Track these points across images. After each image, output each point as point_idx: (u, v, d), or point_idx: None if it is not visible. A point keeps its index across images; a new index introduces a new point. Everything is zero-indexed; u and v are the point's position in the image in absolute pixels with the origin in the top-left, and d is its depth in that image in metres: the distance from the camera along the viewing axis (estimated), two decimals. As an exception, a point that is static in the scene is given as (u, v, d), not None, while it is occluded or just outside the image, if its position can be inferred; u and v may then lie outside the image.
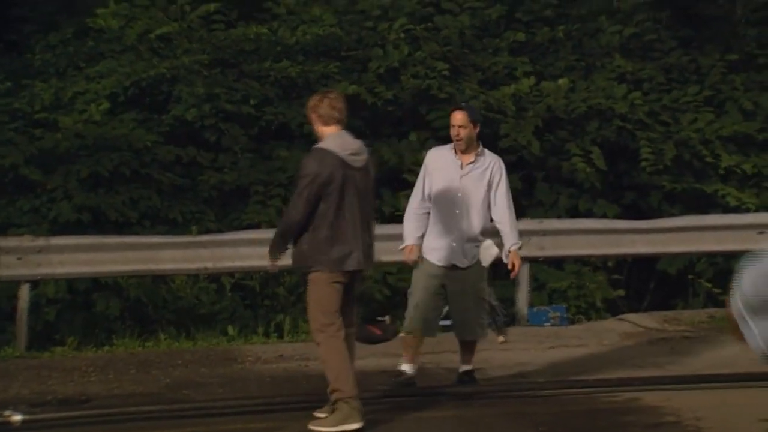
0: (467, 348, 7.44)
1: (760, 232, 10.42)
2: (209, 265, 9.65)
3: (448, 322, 9.62)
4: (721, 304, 10.94)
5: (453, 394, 7.33)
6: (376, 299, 10.29)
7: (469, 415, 6.92)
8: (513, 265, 7.31)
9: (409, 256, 7.24)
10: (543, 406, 7.10)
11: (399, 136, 11.68)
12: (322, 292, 6.40)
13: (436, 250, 7.21)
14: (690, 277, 11.24)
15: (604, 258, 10.77)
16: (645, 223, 10.58)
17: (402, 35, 12.09)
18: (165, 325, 9.79)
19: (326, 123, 6.54)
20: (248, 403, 7.10)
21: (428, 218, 7.24)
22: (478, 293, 7.30)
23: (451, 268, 7.21)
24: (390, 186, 11.21)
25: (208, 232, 10.43)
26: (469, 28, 12.37)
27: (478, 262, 7.23)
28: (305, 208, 6.36)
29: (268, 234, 9.98)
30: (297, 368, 8.37)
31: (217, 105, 11.27)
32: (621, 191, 11.80)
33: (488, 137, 11.59)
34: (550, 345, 8.89)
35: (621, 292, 10.89)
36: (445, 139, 11.54)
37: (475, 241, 7.21)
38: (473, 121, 7.23)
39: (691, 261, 11.26)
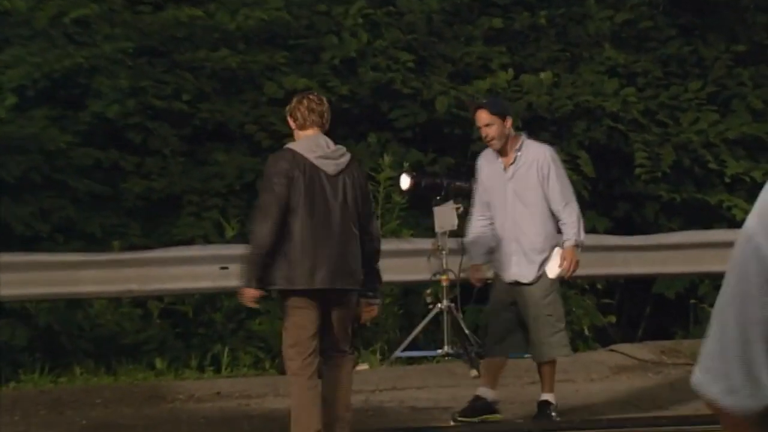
0: (541, 372, 7.65)
1: (772, 250, 10.53)
2: (134, 287, 9.62)
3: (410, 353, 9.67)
4: (727, 332, 11.04)
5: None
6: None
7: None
8: (563, 264, 7.43)
9: (474, 276, 7.69)
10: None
11: (356, 137, 11.68)
12: (289, 316, 6.57)
13: (500, 265, 7.58)
14: (691, 301, 11.33)
15: (593, 279, 10.84)
16: (640, 239, 10.67)
17: (360, 21, 12.11)
18: (81, 358, 9.72)
19: (302, 127, 6.73)
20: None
21: (492, 229, 7.52)
22: (544, 309, 7.49)
23: (515, 283, 7.51)
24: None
25: (132, 248, 10.37)
26: (438, 12, 12.42)
27: (544, 274, 7.45)
28: (272, 223, 6.45)
29: (203, 251, 10.10)
30: (236, 407, 8.35)
31: (144, 100, 11.23)
32: (612, 202, 11.88)
33: (460, 139, 11.71)
34: (530, 380, 8.92)
35: (612, 319, 10.97)
36: (409, 141, 11.67)
37: (538, 251, 7.47)
38: (499, 115, 7.43)
39: (692, 283, 11.35)
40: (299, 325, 6.51)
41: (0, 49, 11.88)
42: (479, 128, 7.53)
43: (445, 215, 9.70)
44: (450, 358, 9.68)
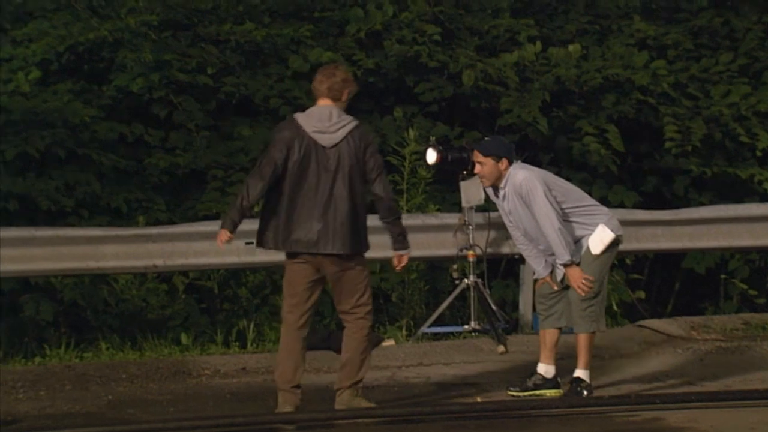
0: (578, 346, 7.77)
1: (803, 225, 10.47)
2: (159, 262, 9.64)
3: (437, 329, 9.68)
4: (758, 308, 11.01)
5: (448, 412, 7.34)
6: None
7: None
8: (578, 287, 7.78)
9: (552, 285, 7.85)
10: (548, 426, 7.13)
11: (381, 111, 11.66)
12: (285, 272, 7.30)
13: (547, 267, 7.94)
14: (721, 276, 11.29)
15: (621, 254, 10.79)
16: (669, 213, 10.62)
17: (386, -7, 12.07)
18: (106, 333, 9.77)
19: (316, 97, 7.33)
20: (205, 425, 7.10)
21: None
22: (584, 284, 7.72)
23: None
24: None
25: (157, 223, 10.40)
26: (465, -16, 12.38)
27: (586, 251, 7.70)
28: (262, 182, 7.12)
29: (228, 226, 10.07)
30: (262, 383, 8.37)
31: (168, 74, 11.23)
32: (641, 176, 11.83)
33: (487, 113, 11.67)
34: (558, 356, 8.92)
35: (641, 294, 10.94)
36: (435, 115, 11.63)
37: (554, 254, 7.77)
38: (492, 156, 7.75)
39: (722, 258, 11.30)
40: (288, 280, 7.27)
41: (23, 22, 11.91)
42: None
43: (471, 190, 9.68)
44: (476, 333, 9.68)
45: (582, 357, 7.74)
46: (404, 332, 9.87)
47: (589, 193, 11.37)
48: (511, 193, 7.74)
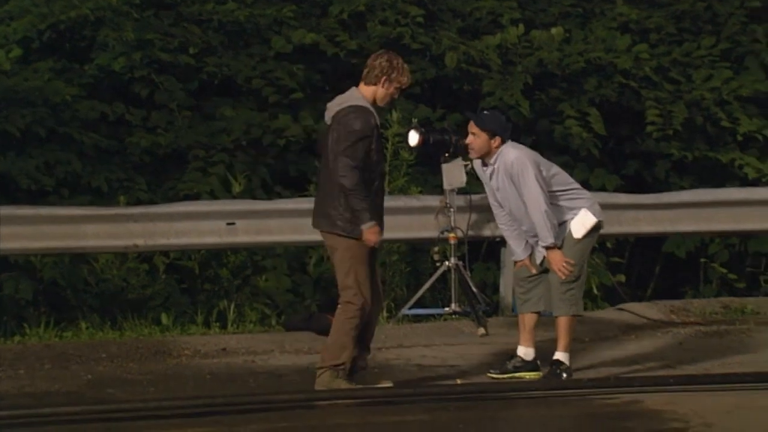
0: (558, 329, 7.78)
1: (784, 209, 10.51)
2: (140, 242, 9.61)
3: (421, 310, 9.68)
4: (737, 292, 11.05)
5: (428, 394, 7.36)
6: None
7: (442, 419, 6.95)
8: (559, 270, 7.74)
9: (531, 268, 7.82)
10: (527, 409, 7.15)
11: (364, 92, 11.63)
12: None
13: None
14: (701, 260, 11.32)
15: (602, 238, 10.77)
16: (650, 197, 10.64)
17: (369, -26, 12.05)
18: (86, 312, 9.75)
19: None
20: (184, 405, 7.10)
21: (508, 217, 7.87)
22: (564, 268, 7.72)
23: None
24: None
25: (138, 203, 10.37)
26: (448, -34, 12.36)
27: (568, 235, 7.72)
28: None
29: (209, 206, 10.07)
30: (242, 364, 8.38)
31: (150, 53, 11.19)
32: (623, 160, 11.84)
33: (469, 95, 11.65)
34: (538, 338, 8.93)
35: (621, 278, 10.96)
36: (417, 97, 11.61)
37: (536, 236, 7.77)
38: (487, 132, 7.71)
39: (702, 242, 11.34)
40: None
41: (4, 0, 11.84)
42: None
43: (453, 172, 9.68)
44: (457, 316, 9.70)
45: (562, 340, 7.76)
46: (385, 314, 9.87)
47: (571, 176, 11.49)
48: (501, 171, 7.71)
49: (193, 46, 11.35)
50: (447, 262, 9.65)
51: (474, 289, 9.63)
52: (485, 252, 10.76)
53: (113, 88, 11.29)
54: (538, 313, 7.87)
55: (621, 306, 10.27)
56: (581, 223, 7.76)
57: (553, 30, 11.85)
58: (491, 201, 7.92)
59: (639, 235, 10.81)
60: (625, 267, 11.25)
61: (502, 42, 11.66)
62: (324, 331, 7.73)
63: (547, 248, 7.67)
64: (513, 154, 7.70)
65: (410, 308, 9.74)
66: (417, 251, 10.50)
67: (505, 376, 7.77)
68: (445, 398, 7.33)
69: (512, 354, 7.87)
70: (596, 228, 7.81)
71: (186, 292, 10.23)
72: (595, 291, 10.56)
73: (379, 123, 7.43)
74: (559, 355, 7.75)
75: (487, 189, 7.93)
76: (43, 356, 8.48)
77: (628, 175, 11.70)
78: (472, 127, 7.74)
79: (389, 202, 10.06)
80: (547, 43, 11.72)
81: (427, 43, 11.57)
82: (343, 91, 7.54)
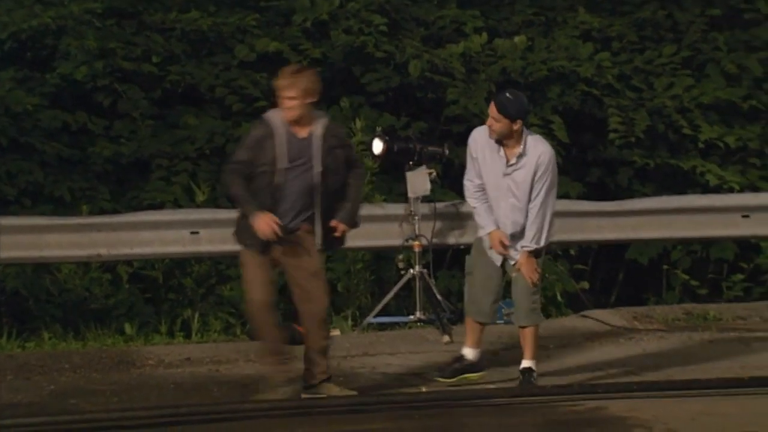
0: (523, 338, 7.77)
1: (744, 216, 10.59)
2: (103, 251, 9.58)
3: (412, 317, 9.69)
4: (700, 298, 11.13)
5: (393, 402, 7.37)
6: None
7: (407, 427, 6.96)
8: (526, 274, 7.69)
9: (498, 245, 7.68)
10: (492, 416, 7.16)
11: (328, 101, 11.62)
12: None
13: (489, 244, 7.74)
14: (664, 267, 11.38)
15: (566, 245, 10.87)
16: (613, 204, 10.70)
17: (332, -18, 12.06)
18: (49, 323, 9.70)
19: None
20: (148, 415, 7.06)
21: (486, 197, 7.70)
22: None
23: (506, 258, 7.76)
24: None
25: (101, 212, 10.33)
26: (411, -26, 12.38)
27: None
28: None
29: (172, 215, 10.04)
30: (207, 373, 8.35)
31: (113, 62, 11.15)
32: (585, 167, 11.90)
33: (434, 104, 11.68)
34: (502, 346, 8.96)
35: (585, 285, 11.01)
36: (381, 106, 11.63)
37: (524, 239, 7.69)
38: (507, 117, 7.52)
39: (665, 249, 11.40)
40: None
41: (-36, 9, 11.77)
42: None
43: (417, 180, 9.70)
44: (422, 324, 9.70)
45: (529, 348, 7.76)
46: (350, 322, 9.88)
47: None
48: (532, 160, 7.55)
49: (156, 54, 11.32)
50: (412, 270, 9.66)
51: (439, 297, 9.65)
52: (450, 260, 10.79)
53: (75, 97, 11.24)
54: (484, 324, 7.84)
55: (584, 313, 10.31)
56: None
57: (516, 38, 11.91)
58: (470, 176, 7.72)
59: (602, 242, 10.86)
60: (589, 274, 11.29)
61: (465, 50, 11.70)
62: (293, 341, 7.71)
63: (531, 252, 7.62)
64: (545, 147, 7.65)
65: (375, 317, 9.74)
66: (381, 259, 10.51)
67: (453, 379, 7.77)
68: (410, 406, 7.33)
69: (458, 356, 7.87)
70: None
71: (150, 301, 10.20)
72: (559, 298, 10.60)
73: (274, 131, 7.26)
74: (530, 363, 7.75)
75: (475, 169, 7.71)
76: (5, 367, 8.42)
77: (591, 182, 11.76)
78: (493, 111, 7.55)
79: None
80: (510, 51, 11.77)
81: (390, 52, 11.60)
82: None
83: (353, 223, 7.51)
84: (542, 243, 7.66)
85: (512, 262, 7.75)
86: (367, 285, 10.33)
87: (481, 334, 7.86)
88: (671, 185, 11.66)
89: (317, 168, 7.26)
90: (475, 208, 7.80)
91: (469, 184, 7.78)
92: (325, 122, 7.39)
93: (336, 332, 9.58)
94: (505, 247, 7.69)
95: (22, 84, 11.04)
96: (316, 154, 7.26)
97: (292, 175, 7.25)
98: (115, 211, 10.35)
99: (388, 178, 10.84)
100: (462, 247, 9.84)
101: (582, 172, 11.81)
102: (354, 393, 7.47)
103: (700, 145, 11.83)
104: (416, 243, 9.69)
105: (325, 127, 7.35)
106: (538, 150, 7.63)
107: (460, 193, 8.72)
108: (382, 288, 10.23)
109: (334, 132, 7.40)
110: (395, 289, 9.75)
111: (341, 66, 11.72)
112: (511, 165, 7.61)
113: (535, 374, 7.75)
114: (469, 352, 7.84)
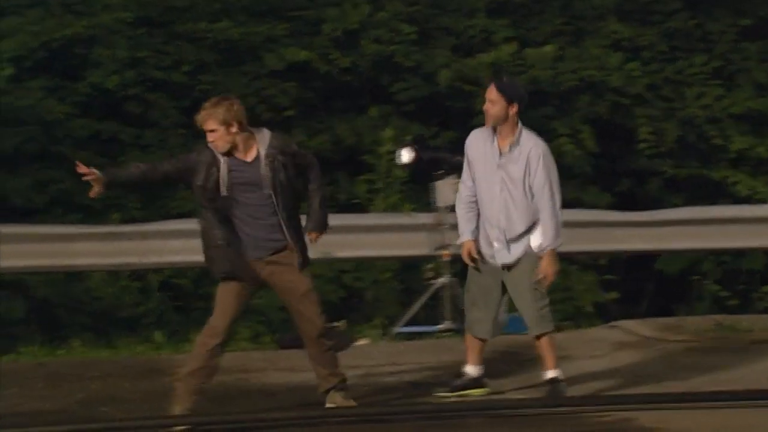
0: (539, 348, 7.69)
1: (775, 226, 10.54)
2: (133, 259, 9.62)
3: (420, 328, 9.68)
4: (730, 309, 11.07)
5: (421, 411, 7.37)
6: (330, 301, 10.30)
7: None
8: (544, 274, 7.55)
9: (467, 255, 7.64)
10: (520, 427, 7.15)
11: (357, 110, 11.68)
12: None
13: (480, 246, 7.64)
14: (694, 278, 11.34)
15: (595, 255, 10.85)
16: (642, 214, 10.67)
17: (362, -8, 12.09)
18: (79, 331, 9.74)
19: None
20: (177, 423, 7.08)
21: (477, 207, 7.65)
22: (533, 284, 7.57)
23: (502, 266, 7.61)
24: (346, 170, 11.20)
25: (131, 221, 10.38)
26: (440, -16, 12.40)
27: (528, 253, 7.54)
28: None
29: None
30: (235, 382, 8.37)
31: (143, 71, 11.21)
32: (615, 177, 11.87)
33: (462, 113, 11.68)
34: (530, 356, 8.94)
35: (614, 295, 10.98)
36: (410, 115, 11.65)
37: (523, 235, 7.55)
38: (506, 98, 7.47)
39: (695, 259, 11.36)
40: None
41: (-3, 18, 11.86)
42: (485, 100, 7.55)
43: (446, 190, 9.70)
44: (450, 333, 9.70)
45: (549, 358, 7.66)
46: (378, 331, 9.88)
47: (563, 194, 11.51)
48: (520, 157, 7.47)
49: (187, 63, 11.38)
50: (440, 280, 9.66)
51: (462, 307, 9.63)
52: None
53: (106, 106, 11.31)
54: (484, 340, 7.75)
55: (614, 323, 10.28)
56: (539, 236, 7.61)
57: (546, 48, 11.90)
58: (469, 187, 7.65)
59: (631, 252, 10.83)
60: (618, 284, 11.26)
61: (494, 60, 11.70)
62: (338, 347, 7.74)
63: (549, 250, 7.47)
64: (539, 140, 7.57)
65: (403, 326, 9.74)
66: (410, 269, 10.51)
67: (454, 394, 7.72)
68: (438, 415, 7.32)
69: (460, 372, 7.79)
70: None
71: (179, 309, 10.23)
72: (588, 308, 10.58)
73: (211, 155, 7.21)
74: (554, 373, 7.70)
75: (470, 174, 7.63)
76: (36, 375, 8.47)
77: (620, 192, 11.73)
78: (491, 93, 7.49)
79: (382, 219, 10.12)
80: (539, 60, 11.77)
81: (420, 61, 11.61)
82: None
83: (325, 227, 7.36)
84: (558, 240, 7.54)
85: (505, 262, 7.57)
86: (396, 294, 10.34)
87: (482, 351, 7.76)
88: (701, 195, 11.62)
89: (268, 189, 7.10)
90: (459, 214, 7.73)
91: (463, 187, 7.71)
92: (267, 141, 7.20)
93: (364, 341, 9.60)
94: (473, 259, 7.61)
95: (53, 93, 11.11)
96: (265, 175, 7.11)
97: (244, 200, 7.11)
98: (145, 220, 10.39)
99: (417, 188, 10.84)
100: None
101: (611, 182, 11.79)
102: (353, 404, 7.30)
103: (731, 156, 11.79)
104: (445, 252, 9.69)
105: (267, 144, 7.18)
106: (531, 142, 7.55)
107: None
108: (411, 297, 10.23)
109: (276, 145, 7.19)
110: (423, 298, 9.75)
111: (370, 75, 11.75)
112: (504, 156, 7.51)
113: (563, 383, 7.69)
114: (471, 370, 7.75)
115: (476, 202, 7.62)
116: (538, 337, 7.68)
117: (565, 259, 10.78)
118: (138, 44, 11.37)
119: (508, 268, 7.60)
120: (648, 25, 12.61)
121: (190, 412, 7.10)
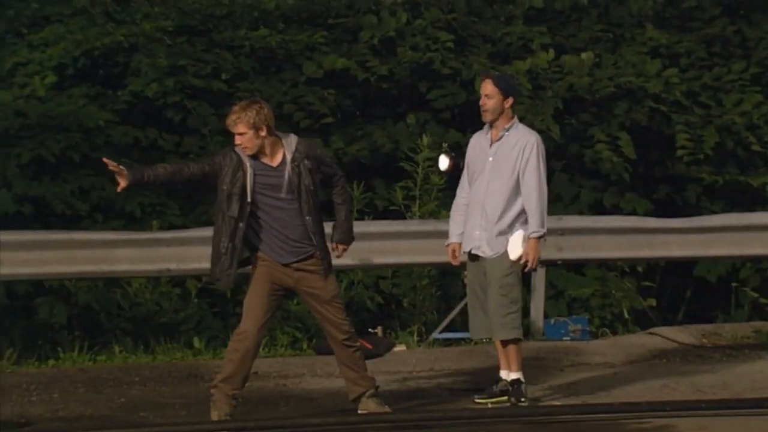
0: (502, 352, 7.69)
1: (815, 233, 10.45)
2: (172, 266, 9.66)
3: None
4: (769, 316, 10.99)
5: (460, 417, 7.36)
6: (367, 308, 10.31)
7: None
8: (526, 258, 7.52)
9: (452, 257, 7.70)
10: (560, 433, 7.13)
11: (395, 117, 11.69)
12: None
13: (465, 239, 7.69)
14: (733, 284, 11.26)
15: (633, 262, 10.80)
16: (681, 221, 10.61)
17: (399, 0, 12.10)
18: (120, 336, 9.79)
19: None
20: (216, 428, 7.11)
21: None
22: (502, 289, 7.55)
23: (475, 258, 7.62)
24: (383, 176, 11.21)
25: (171, 228, 10.42)
26: (478, -9, 12.40)
27: (506, 254, 7.54)
28: None
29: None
30: (273, 388, 8.39)
31: (183, 79, 11.27)
32: (653, 184, 11.82)
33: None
34: (569, 362, 8.92)
35: (652, 302, 10.92)
36: (448, 122, 11.64)
37: (504, 231, 7.56)
38: (502, 92, 7.62)
39: (734, 266, 11.28)
40: None
41: (40, 27, 11.97)
42: (481, 96, 7.69)
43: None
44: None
45: (515, 361, 7.63)
46: (416, 338, 9.88)
47: (602, 200, 11.50)
48: (510, 146, 7.55)
49: (226, 71, 11.43)
50: (477, 286, 9.63)
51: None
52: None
53: (146, 113, 11.37)
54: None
55: (652, 330, 10.24)
56: (516, 244, 7.57)
57: (584, 55, 11.86)
58: (463, 190, 7.76)
59: (670, 259, 10.78)
60: (656, 291, 11.21)
61: (532, 67, 11.67)
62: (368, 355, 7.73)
63: (536, 236, 7.48)
64: (531, 132, 7.65)
65: (441, 332, 9.73)
66: (447, 275, 10.50)
67: (492, 400, 7.70)
68: (476, 421, 7.31)
69: (497, 378, 7.77)
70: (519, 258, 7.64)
71: (218, 315, 10.26)
72: (626, 315, 10.53)
73: (237, 159, 7.14)
74: (517, 375, 7.64)
75: (467, 172, 7.73)
76: (77, 380, 8.52)
77: (658, 199, 11.67)
78: (486, 87, 7.64)
79: (420, 226, 10.11)
80: (577, 67, 11.73)
81: (457, 68, 11.61)
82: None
83: (351, 239, 7.41)
84: (543, 229, 7.51)
85: (485, 255, 7.55)
86: (433, 301, 10.32)
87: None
88: (740, 202, 11.54)
89: (293, 194, 7.10)
90: (451, 216, 7.82)
91: (459, 190, 7.83)
92: (293, 146, 7.18)
93: (402, 347, 9.59)
94: (456, 258, 7.66)
95: (95, 100, 11.19)
96: (290, 179, 7.10)
97: (269, 204, 7.13)
98: (184, 226, 10.43)
99: (454, 195, 10.82)
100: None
101: (649, 189, 11.73)
102: (388, 410, 7.31)
103: (770, 162, 11.71)
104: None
105: (293, 150, 7.17)
106: (524, 132, 7.66)
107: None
108: (448, 303, 10.22)
109: (302, 150, 7.18)
110: (461, 304, 9.73)
111: (408, 82, 11.75)
112: (494, 144, 7.63)
113: (524, 385, 7.63)
114: (506, 374, 7.75)
115: (487, 195, 7.65)
116: (503, 343, 7.65)
117: (603, 265, 10.78)
118: (178, 52, 11.43)
119: (483, 261, 7.60)
120: (686, 31, 12.55)
121: (229, 417, 7.12)
